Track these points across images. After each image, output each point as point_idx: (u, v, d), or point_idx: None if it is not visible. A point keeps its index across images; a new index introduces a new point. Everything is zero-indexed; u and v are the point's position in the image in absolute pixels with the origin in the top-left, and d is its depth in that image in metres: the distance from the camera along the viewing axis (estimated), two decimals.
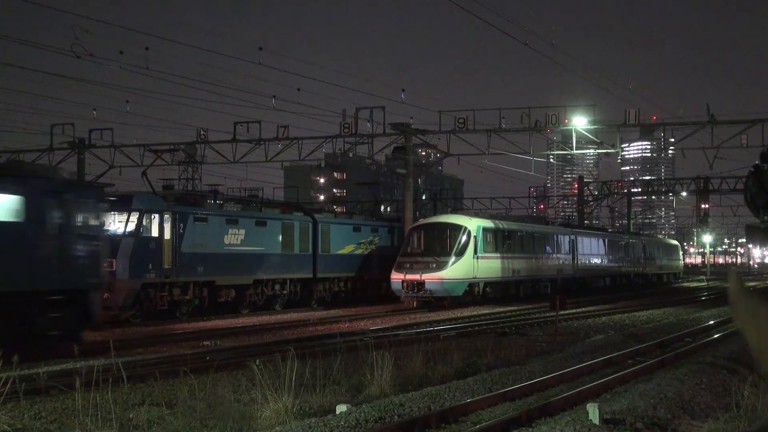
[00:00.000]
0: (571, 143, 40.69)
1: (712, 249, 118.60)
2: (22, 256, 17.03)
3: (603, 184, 76.04)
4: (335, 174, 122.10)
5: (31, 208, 17.08)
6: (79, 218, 18.40)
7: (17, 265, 16.91)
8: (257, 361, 11.48)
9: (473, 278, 34.95)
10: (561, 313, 26.11)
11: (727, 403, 11.28)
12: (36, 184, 17.51)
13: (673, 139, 44.15)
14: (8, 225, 16.70)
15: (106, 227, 21.83)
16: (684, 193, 72.84)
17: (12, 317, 16.74)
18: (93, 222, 18.99)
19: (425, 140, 42.20)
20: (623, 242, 56.84)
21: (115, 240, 25.34)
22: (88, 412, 9.58)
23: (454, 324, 25.77)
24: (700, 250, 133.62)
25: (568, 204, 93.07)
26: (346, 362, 13.49)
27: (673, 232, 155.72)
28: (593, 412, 9.75)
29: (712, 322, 25.71)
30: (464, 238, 34.74)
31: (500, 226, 38.56)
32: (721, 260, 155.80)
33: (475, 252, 34.91)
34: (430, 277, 33.40)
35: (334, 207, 64.00)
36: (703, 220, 72.98)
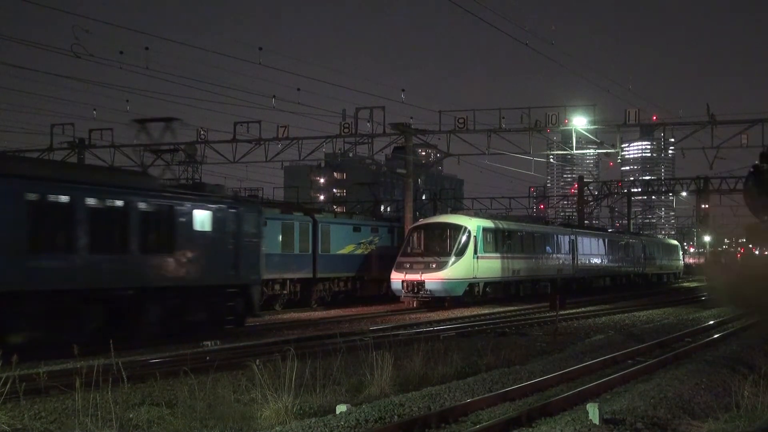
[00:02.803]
0: (571, 143, 40.70)
1: (712, 249, 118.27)
2: (211, 258, 21.74)
3: (603, 184, 76.00)
4: (335, 174, 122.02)
5: (215, 220, 21.89)
6: (245, 226, 22.97)
7: (208, 265, 21.62)
8: (257, 361, 11.49)
9: (473, 278, 34.93)
10: (561, 313, 26.11)
11: (727, 403, 11.27)
12: (217, 201, 22.23)
13: (673, 139, 44.18)
14: (202, 233, 21.44)
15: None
16: (684, 193, 72.80)
17: (205, 307, 21.62)
18: (254, 229, 23.52)
19: (425, 140, 42.20)
20: (623, 242, 56.81)
21: None
22: (88, 412, 9.57)
23: (454, 324, 25.76)
24: (700, 250, 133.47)
25: (568, 204, 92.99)
26: (346, 362, 13.48)
27: (673, 232, 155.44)
28: (593, 412, 9.74)
29: (712, 322, 25.70)
30: (464, 238, 34.72)
31: (500, 226, 38.54)
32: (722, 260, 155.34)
33: (475, 252, 34.89)
34: (430, 277, 33.37)
35: (334, 207, 63.97)
36: (703, 220, 72.96)
